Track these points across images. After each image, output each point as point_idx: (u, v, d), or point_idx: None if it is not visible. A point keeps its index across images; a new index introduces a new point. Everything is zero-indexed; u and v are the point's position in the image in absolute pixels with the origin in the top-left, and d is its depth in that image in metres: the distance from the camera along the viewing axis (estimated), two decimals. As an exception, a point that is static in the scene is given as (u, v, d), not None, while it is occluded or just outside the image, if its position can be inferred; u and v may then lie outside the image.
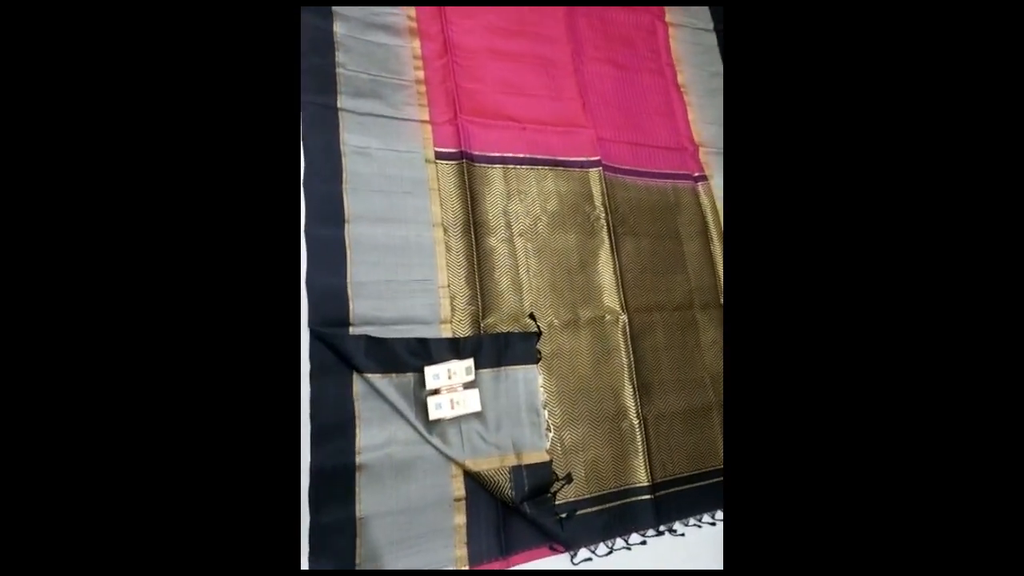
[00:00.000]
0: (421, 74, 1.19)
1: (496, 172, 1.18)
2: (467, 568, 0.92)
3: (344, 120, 1.07)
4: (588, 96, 1.35)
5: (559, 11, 1.39)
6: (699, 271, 1.32)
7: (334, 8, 1.15)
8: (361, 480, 0.90)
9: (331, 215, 1.00)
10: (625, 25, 1.50)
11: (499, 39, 1.31)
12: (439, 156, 1.13)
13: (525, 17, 1.35)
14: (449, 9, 1.27)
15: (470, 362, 1.00)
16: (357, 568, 0.86)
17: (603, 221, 1.23)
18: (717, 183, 1.44)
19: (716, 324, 1.29)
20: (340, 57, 1.12)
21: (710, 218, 1.38)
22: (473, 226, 1.11)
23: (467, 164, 1.15)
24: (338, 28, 1.14)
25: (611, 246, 1.21)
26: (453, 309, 1.04)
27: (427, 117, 1.16)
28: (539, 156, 1.23)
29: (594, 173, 1.26)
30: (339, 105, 1.08)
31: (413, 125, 1.14)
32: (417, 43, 1.22)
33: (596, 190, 1.25)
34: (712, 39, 1.63)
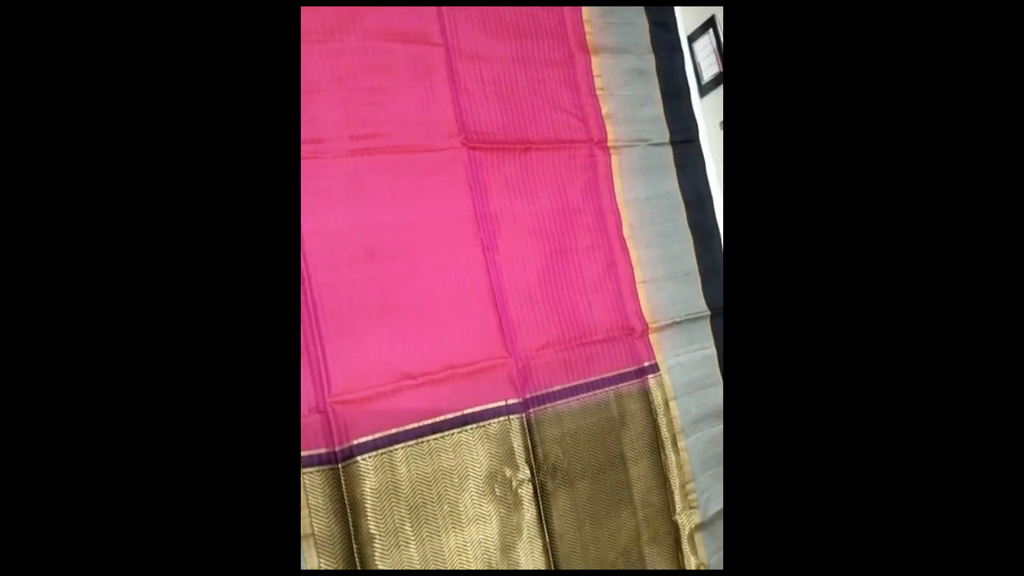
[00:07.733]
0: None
1: (383, 460, 0.91)
2: None
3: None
4: (506, 297, 1.06)
5: (467, 212, 1.05)
6: (646, 496, 1.12)
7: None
8: None
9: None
10: (560, 168, 1.16)
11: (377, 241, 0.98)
12: (305, 463, 0.86)
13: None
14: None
15: None
16: None
17: (528, 483, 1.00)
18: (672, 364, 1.20)
19: (668, 559, 1.12)
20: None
21: (662, 420, 1.15)
22: (357, 554, 0.87)
23: (343, 468, 0.88)
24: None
25: (539, 515, 0.99)
26: None
27: (283, 410, 0.86)
28: (443, 418, 0.96)
29: (515, 421, 1.01)
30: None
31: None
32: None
33: (518, 443, 1.00)
34: (664, 154, 1.30)
